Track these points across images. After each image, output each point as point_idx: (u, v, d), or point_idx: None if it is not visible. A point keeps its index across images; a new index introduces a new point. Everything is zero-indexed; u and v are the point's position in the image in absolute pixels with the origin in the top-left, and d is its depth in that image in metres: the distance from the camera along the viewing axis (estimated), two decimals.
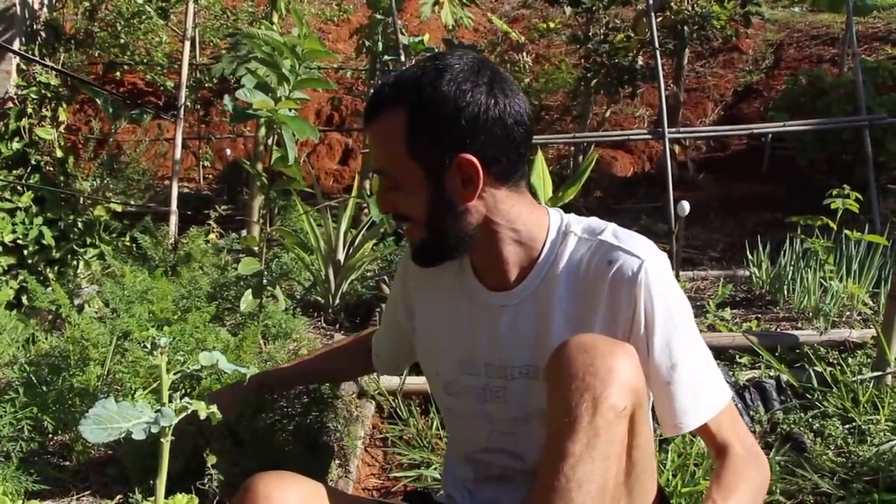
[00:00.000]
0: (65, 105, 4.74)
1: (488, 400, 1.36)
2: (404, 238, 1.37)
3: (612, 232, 1.30)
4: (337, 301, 3.75)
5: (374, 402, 2.78)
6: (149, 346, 1.13)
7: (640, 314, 1.23)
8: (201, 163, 8.73)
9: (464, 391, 1.39)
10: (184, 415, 1.14)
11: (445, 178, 1.23)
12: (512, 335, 1.32)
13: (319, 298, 3.83)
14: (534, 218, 1.32)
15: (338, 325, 3.62)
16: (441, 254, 1.30)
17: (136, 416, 1.09)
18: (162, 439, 1.13)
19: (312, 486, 1.26)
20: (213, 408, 1.16)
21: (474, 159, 1.22)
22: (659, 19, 6.46)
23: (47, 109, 4.54)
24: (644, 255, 1.24)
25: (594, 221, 1.34)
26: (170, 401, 1.15)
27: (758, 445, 1.27)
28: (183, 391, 1.84)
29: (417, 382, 2.82)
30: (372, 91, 1.35)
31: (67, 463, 2.03)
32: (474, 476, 1.45)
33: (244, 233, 5.09)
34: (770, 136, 7.31)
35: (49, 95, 4.52)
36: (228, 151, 8.62)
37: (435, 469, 2.38)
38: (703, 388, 1.24)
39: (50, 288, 2.93)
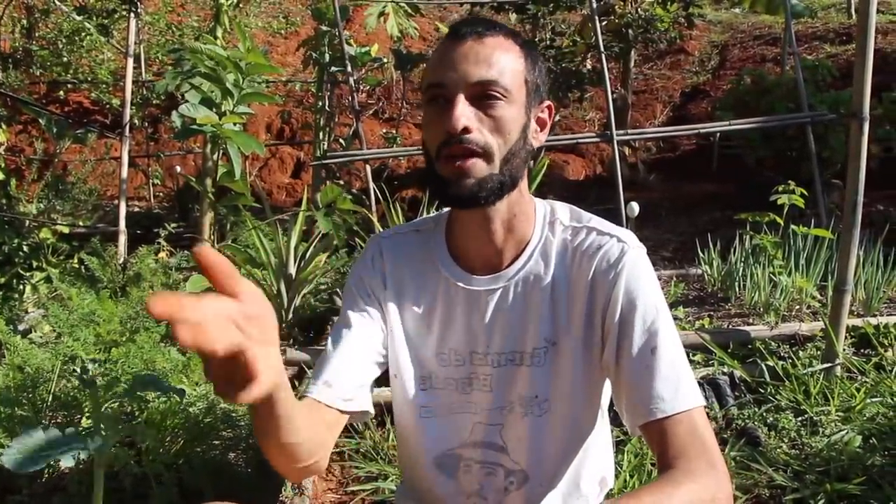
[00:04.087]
0: (4, 126, 4.63)
1: (474, 389, 1.32)
2: (457, 175, 1.18)
3: (597, 221, 1.32)
4: (290, 316, 3.71)
5: None
6: (79, 370, 1.09)
7: (619, 292, 1.22)
8: (151, 181, 8.60)
9: (445, 384, 1.33)
10: (117, 439, 1.10)
11: (532, 113, 1.27)
12: (498, 320, 1.30)
13: None
14: (529, 201, 1.32)
15: (291, 340, 3.57)
16: (496, 193, 1.22)
17: (66, 444, 1.05)
18: (96, 466, 1.09)
19: None
20: (150, 431, 1.12)
21: (552, 105, 1.31)
22: (604, 23, 6.54)
23: None
24: (629, 241, 1.27)
25: (576, 210, 1.35)
26: (105, 424, 1.11)
27: (722, 460, 1.14)
28: (118, 417, 1.79)
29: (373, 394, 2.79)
30: (467, 20, 1.26)
31: (13, 495, 1.97)
32: (448, 488, 1.36)
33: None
34: (718, 135, 7.43)
35: None
36: (178, 168, 8.50)
37: (392, 481, 2.36)
38: (684, 379, 1.19)
39: None
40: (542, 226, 1.32)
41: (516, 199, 1.27)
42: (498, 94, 1.19)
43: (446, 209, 1.40)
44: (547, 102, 1.29)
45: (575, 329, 1.27)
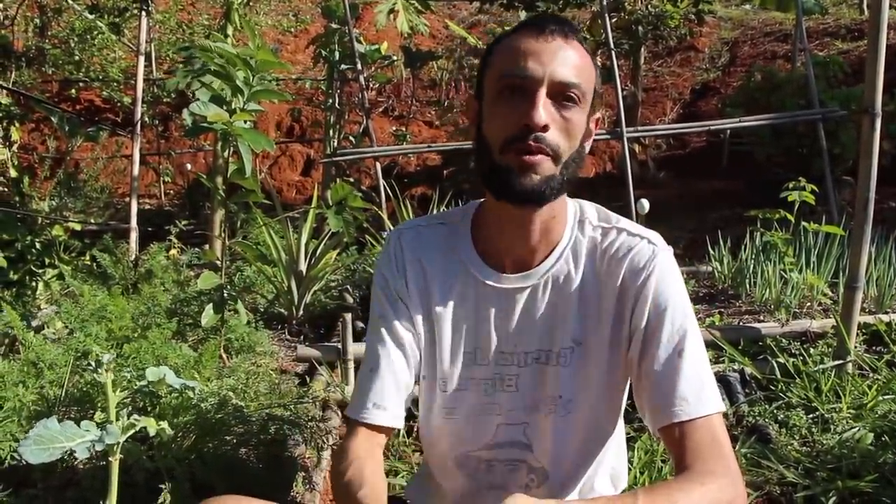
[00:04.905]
0: (17, 124, 4.65)
1: (497, 390, 1.31)
2: (527, 173, 1.17)
3: (626, 222, 1.33)
4: (301, 312, 3.72)
5: (339, 413, 2.76)
6: (93, 364, 1.10)
7: (648, 293, 1.23)
8: (162, 178, 8.64)
9: (468, 385, 1.33)
10: (132, 432, 1.11)
11: (589, 119, 1.26)
12: (526, 319, 1.29)
13: (283, 310, 3.79)
14: (564, 202, 1.31)
15: (302, 337, 3.59)
16: (555, 195, 1.22)
17: (80, 436, 1.06)
18: (110, 458, 1.10)
19: None
20: (164, 424, 1.13)
21: (599, 119, 1.29)
22: (613, 20, 6.52)
23: None
24: (658, 244, 1.28)
25: (602, 210, 1.36)
26: (117, 418, 1.13)
27: (737, 466, 1.15)
28: (131, 409, 1.80)
29: None
30: (546, 17, 1.24)
31: (27, 489, 1.98)
32: (468, 484, 1.38)
33: (206, 247, 5.04)
34: (728, 132, 7.40)
35: (0, 115, 4.43)
36: (189, 166, 8.54)
37: (402, 477, 2.37)
38: (707, 383, 1.21)
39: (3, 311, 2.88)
40: (572, 225, 1.32)
41: (559, 201, 1.27)
42: (576, 98, 1.19)
43: (473, 202, 1.39)
44: (598, 114, 1.28)
45: (603, 330, 1.27)
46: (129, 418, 1.12)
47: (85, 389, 2.05)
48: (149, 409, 2.01)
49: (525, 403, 1.31)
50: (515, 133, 1.17)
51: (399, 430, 1.34)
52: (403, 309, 1.33)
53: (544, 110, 1.16)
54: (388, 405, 1.29)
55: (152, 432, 1.12)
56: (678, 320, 1.22)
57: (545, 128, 1.16)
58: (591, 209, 1.35)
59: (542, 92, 1.16)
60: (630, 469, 2.30)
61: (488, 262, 1.32)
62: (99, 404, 2.01)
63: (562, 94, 1.18)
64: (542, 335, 1.29)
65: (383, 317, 1.33)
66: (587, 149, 1.28)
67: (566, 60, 1.18)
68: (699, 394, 1.18)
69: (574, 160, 1.22)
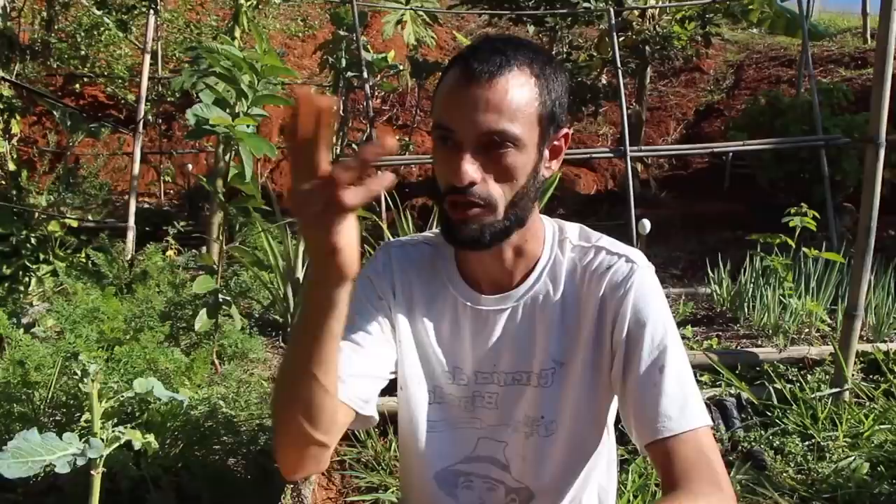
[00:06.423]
0: (18, 117, 4.61)
1: (478, 406, 1.31)
2: (458, 224, 1.16)
3: (606, 240, 1.31)
4: (296, 319, 3.69)
5: None
6: (79, 373, 1.07)
7: (627, 310, 1.22)
8: (162, 178, 8.61)
9: (450, 400, 1.32)
10: (116, 445, 1.08)
11: (546, 144, 1.22)
12: (505, 340, 1.28)
13: (278, 317, 3.76)
14: (538, 221, 1.30)
15: None
16: (500, 237, 1.19)
17: (62, 448, 1.02)
18: (92, 472, 1.07)
19: None
20: (150, 437, 1.10)
21: (569, 133, 1.26)
22: (622, 39, 6.52)
23: None
24: (638, 261, 1.26)
25: (585, 229, 1.34)
26: (103, 428, 1.09)
27: (728, 482, 1.12)
28: (117, 419, 1.77)
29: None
30: (479, 48, 1.18)
31: (7, 494, 1.95)
32: (447, 501, 1.35)
33: (204, 250, 5.01)
34: (731, 154, 7.39)
35: (1, 107, 4.40)
36: (190, 166, 8.51)
37: (393, 493, 2.33)
38: (691, 398, 1.18)
39: None
40: (551, 245, 1.31)
41: (527, 224, 1.25)
42: (508, 144, 1.15)
43: None
44: (564, 130, 1.24)
45: (584, 349, 1.25)
46: (114, 429, 1.08)
47: (73, 392, 2.01)
48: (137, 414, 1.98)
49: (505, 422, 1.30)
50: (448, 187, 1.16)
51: (358, 415, 1.22)
52: (385, 309, 1.31)
53: (470, 167, 1.13)
54: (351, 384, 1.19)
55: (137, 446, 1.09)
56: (658, 336, 1.21)
57: (471, 183, 1.14)
58: (571, 229, 1.34)
59: (466, 148, 1.13)
60: (623, 493, 2.27)
61: (469, 284, 1.31)
62: (86, 407, 1.98)
63: (491, 142, 1.14)
64: (522, 356, 1.28)
65: (362, 311, 1.29)
66: (552, 169, 1.25)
67: (490, 106, 1.13)
68: (682, 409, 1.16)
69: (522, 197, 1.19)
